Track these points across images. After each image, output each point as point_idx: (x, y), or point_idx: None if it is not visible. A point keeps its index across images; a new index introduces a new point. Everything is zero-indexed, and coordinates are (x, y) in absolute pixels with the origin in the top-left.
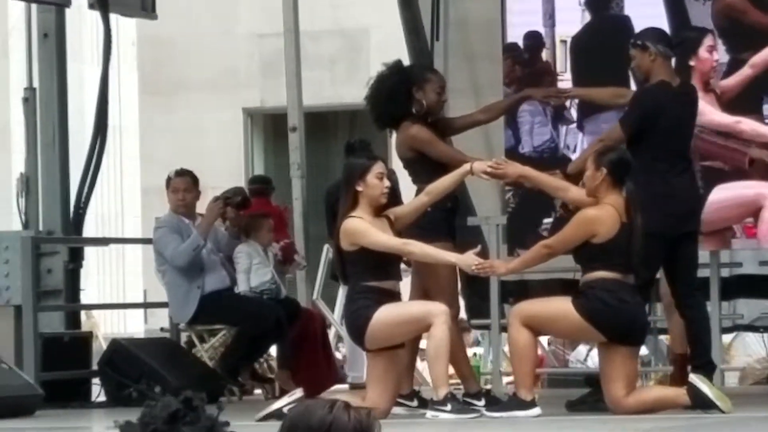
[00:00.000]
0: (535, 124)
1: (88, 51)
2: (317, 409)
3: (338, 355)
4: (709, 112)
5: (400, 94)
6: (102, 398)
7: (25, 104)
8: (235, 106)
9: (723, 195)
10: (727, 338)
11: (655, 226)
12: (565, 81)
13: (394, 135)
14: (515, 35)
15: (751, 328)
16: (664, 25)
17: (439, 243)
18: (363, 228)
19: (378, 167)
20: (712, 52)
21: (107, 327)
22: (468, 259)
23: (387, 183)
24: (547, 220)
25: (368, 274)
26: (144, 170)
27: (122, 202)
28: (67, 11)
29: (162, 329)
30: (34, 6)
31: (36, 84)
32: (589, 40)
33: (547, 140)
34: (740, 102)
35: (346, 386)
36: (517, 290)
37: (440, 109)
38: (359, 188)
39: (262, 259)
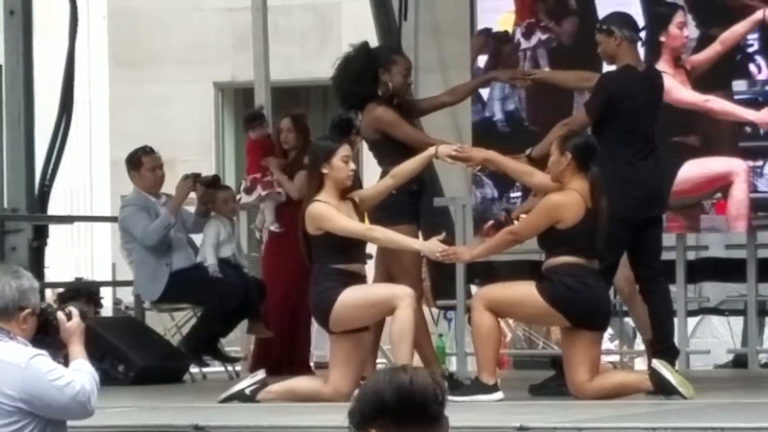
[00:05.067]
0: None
1: (59, 26)
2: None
3: None
4: (676, 90)
5: (366, 75)
6: None
7: None
8: (205, 80)
9: (693, 170)
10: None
11: (620, 210)
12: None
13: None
14: (485, 20)
15: (716, 311)
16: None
17: (404, 226)
18: (328, 213)
19: (343, 150)
20: (683, 29)
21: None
22: (432, 246)
23: (352, 166)
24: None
25: (334, 257)
26: (114, 143)
27: (91, 176)
28: None
29: (126, 308)
30: None
31: (2, 61)
32: None
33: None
34: (709, 79)
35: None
36: (483, 271)
37: (406, 91)
38: (325, 171)
39: (227, 236)
